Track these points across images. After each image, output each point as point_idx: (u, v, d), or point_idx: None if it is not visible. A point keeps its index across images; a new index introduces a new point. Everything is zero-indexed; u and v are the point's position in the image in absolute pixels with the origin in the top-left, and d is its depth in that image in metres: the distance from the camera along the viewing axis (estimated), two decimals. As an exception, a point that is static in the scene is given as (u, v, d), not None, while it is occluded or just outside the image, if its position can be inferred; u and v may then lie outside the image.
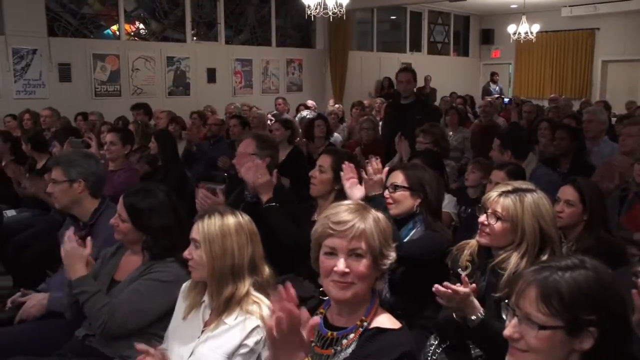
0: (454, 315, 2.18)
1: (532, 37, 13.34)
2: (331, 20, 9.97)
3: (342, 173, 2.90)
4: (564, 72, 16.26)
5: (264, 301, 2.10)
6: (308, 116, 8.99)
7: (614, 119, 7.94)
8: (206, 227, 2.12)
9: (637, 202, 3.76)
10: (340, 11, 9.25)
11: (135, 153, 5.81)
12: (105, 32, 10.70)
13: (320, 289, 1.86)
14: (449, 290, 2.04)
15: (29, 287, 3.15)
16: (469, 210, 4.02)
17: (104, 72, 10.38)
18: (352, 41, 14.09)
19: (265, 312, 2.07)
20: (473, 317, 2.11)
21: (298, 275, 2.95)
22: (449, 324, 2.24)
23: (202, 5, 11.81)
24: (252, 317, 2.05)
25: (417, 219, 2.77)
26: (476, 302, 2.12)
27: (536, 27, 13.41)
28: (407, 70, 6.22)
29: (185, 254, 2.17)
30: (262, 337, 2.04)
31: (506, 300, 1.51)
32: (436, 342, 2.41)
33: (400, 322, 1.83)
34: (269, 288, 2.16)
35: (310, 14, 9.37)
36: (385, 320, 1.81)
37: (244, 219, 2.18)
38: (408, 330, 1.83)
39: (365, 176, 2.81)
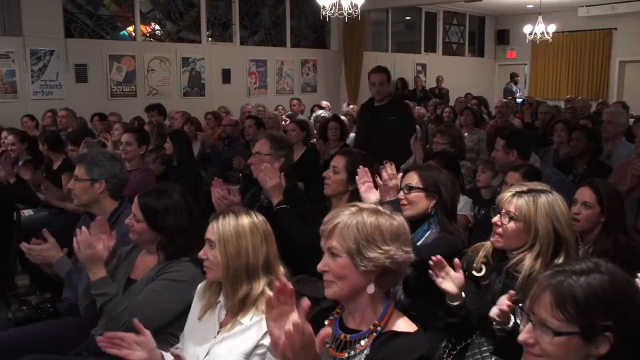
0: (496, 330, 2.10)
1: (548, 38, 13.24)
2: (346, 20, 9.98)
3: (357, 177, 2.88)
4: (581, 73, 16.12)
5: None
6: (322, 114, 8.95)
7: (631, 120, 7.86)
8: (221, 227, 2.12)
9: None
10: (355, 12, 9.24)
11: (150, 153, 5.85)
12: (121, 33, 10.78)
13: None
14: (506, 309, 1.99)
15: (45, 286, 3.18)
16: (484, 211, 4.01)
17: (120, 72, 10.46)
18: (366, 42, 14.06)
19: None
20: (510, 324, 2.05)
21: (312, 276, 2.95)
22: (450, 311, 2.22)
23: (217, 6, 11.86)
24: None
25: (432, 221, 2.75)
26: (510, 313, 2.08)
27: (552, 28, 13.30)
28: (381, 70, 5.48)
29: (200, 254, 2.18)
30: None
31: (520, 305, 1.50)
32: (450, 344, 2.39)
33: (416, 325, 1.82)
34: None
35: (325, 14, 9.36)
36: (400, 324, 1.80)
37: (258, 219, 2.19)
38: (423, 334, 1.82)
39: (380, 182, 2.79)
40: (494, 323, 2.06)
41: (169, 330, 2.50)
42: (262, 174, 3.28)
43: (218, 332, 2.13)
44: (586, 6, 14.88)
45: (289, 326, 1.48)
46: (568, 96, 12.15)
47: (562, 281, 1.39)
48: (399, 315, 1.84)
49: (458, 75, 15.88)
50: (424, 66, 15.75)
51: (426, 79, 15.46)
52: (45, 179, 5.22)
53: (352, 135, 7.45)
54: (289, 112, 9.88)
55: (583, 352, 1.37)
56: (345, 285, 1.75)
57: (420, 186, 2.77)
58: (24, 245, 2.84)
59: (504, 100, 10.22)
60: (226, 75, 11.86)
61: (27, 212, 5.05)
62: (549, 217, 2.23)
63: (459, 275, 2.16)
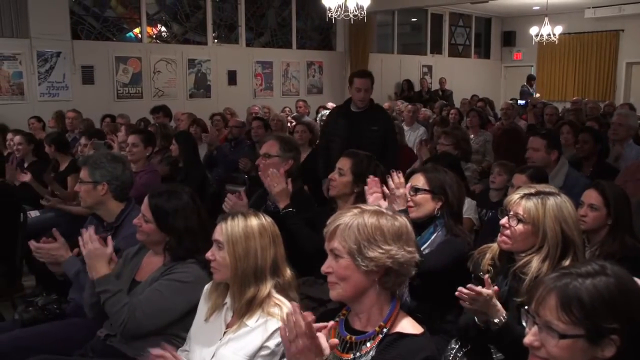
0: (476, 319, 2.15)
1: (555, 39, 13.21)
2: (352, 22, 9.99)
3: (367, 187, 2.85)
4: (587, 75, 16.07)
5: (285, 303, 2.10)
6: (326, 112, 8.87)
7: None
8: (230, 228, 2.13)
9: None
10: (360, 13, 9.24)
11: (156, 155, 5.86)
12: (128, 35, 10.81)
13: None
14: (472, 293, 2.02)
15: (52, 287, 3.18)
16: (491, 213, 3.99)
17: (126, 74, 10.49)
18: (372, 43, 14.05)
19: (287, 314, 2.08)
20: (496, 321, 2.08)
21: (318, 278, 2.95)
22: (470, 328, 2.22)
23: (223, 8, 11.88)
24: (274, 319, 2.05)
25: (438, 223, 2.74)
26: (499, 305, 2.10)
27: (559, 29, 13.27)
28: (367, 75, 4.95)
29: (208, 255, 2.18)
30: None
31: (526, 307, 1.49)
32: (457, 346, 2.39)
33: (422, 327, 1.82)
34: (290, 290, 2.17)
35: (331, 16, 9.37)
36: (406, 325, 1.80)
37: (266, 220, 2.19)
38: (429, 335, 1.82)
39: (387, 191, 2.77)
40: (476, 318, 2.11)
41: (173, 331, 2.50)
42: (269, 179, 3.29)
43: (224, 334, 2.14)
44: (593, 7, 14.83)
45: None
46: (574, 98, 12.11)
47: (567, 283, 1.38)
48: (405, 316, 1.84)
49: (464, 76, 15.87)
50: (429, 68, 15.75)
51: (432, 80, 15.44)
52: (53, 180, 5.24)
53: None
54: (295, 114, 9.89)
55: (589, 355, 1.36)
56: (348, 286, 1.76)
57: (427, 188, 2.76)
58: (32, 244, 2.84)
59: (509, 101, 10.21)
60: (232, 77, 11.88)
61: (33, 213, 5.06)
62: (557, 220, 2.22)
63: (490, 292, 2.07)
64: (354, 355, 1.78)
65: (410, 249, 1.79)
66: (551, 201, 2.25)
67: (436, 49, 16.10)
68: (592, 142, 4.94)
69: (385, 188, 2.76)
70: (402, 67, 14.94)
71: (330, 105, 10.87)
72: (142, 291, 2.53)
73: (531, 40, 13.97)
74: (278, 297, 2.12)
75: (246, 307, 2.09)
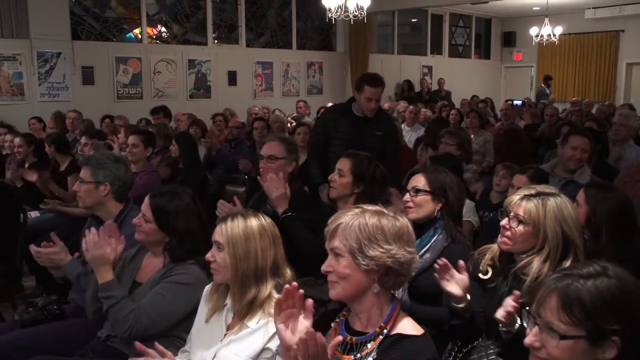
0: (502, 332, 2.07)
1: (555, 40, 13.21)
2: (352, 23, 9.99)
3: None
4: (587, 75, 16.08)
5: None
6: None
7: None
8: (230, 229, 2.13)
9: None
10: (360, 14, 9.25)
11: (156, 156, 5.86)
12: (128, 35, 10.81)
13: None
14: (512, 310, 1.97)
15: (52, 287, 3.18)
16: (491, 214, 3.99)
17: (126, 74, 10.49)
18: (372, 44, 14.06)
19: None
20: (516, 326, 2.04)
21: (318, 279, 2.95)
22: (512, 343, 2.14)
23: (223, 9, 11.89)
24: (274, 320, 2.05)
25: (438, 225, 2.73)
26: (515, 314, 2.06)
27: (559, 30, 13.28)
28: (379, 83, 4.59)
29: (208, 256, 2.18)
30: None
31: (527, 308, 1.49)
32: (456, 347, 2.39)
33: (422, 328, 1.82)
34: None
35: (331, 16, 9.37)
36: (407, 326, 1.80)
37: (266, 221, 2.19)
38: (430, 336, 1.82)
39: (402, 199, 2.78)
40: (500, 325, 2.05)
41: (175, 333, 2.50)
42: (268, 184, 3.28)
43: (225, 335, 2.13)
44: (593, 8, 14.84)
45: (302, 334, 1.55)
46: (574, 99, 12.12)
47: (569, 284, 1.38)
48: (405, 317, 1.84)
49: (464, 77, 15.87)
50: (430, 68, 15.75)
51: (432, 81, 15.44)
52: (52, 180, 5.24)
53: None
54: (295, 114, 9.88)
55: (590, 356, 1.36)
56: (348, 285, 1.76)
57: (427, 189, 2.75)
58: (32, 248, 2.85)
59: (508, 102, 10.20)
60: (232, 77, 11.89)
61: (33, 214, 5.06)
62: (558, 221, 2.21)
63: (463, 278, 2.15)
64: (354, 356, 1.78)
65: (410, 249, 1.79)
66: (551, 202, 2.24)
67: (436, 49, 16.10)
68: (591, 142, 4.93)
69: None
70: (402, 68, 14.94)
71: (330, 105, 10.88)
72: (144, 293, 2.53)
73: (531, 41, 13.97)
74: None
75: (247, 308, 2.09)
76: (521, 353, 1.95)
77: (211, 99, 11.51)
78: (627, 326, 1.33)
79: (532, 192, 2.31)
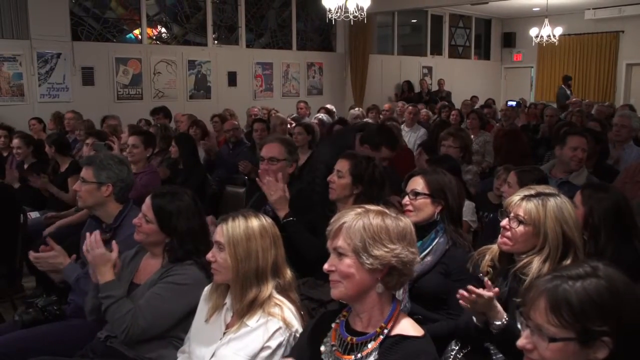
0: (474, 319, 2.15)
1: (555, 40, 13.22)
2: (352, 23, 9.98)
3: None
4: (587, 76, 16.07)
5: (286, 303, 2.11)
6: (321, 117, 8.69)
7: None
8: (231, 229, 2.13)
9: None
10: (360, 14, 9.24)
11: (156, 156, 5.86)
12: (128, 36, 10.81)
13: None
14: (473, 295, 2.01)
15: (52, 288, 3.19)
16: (492, 215, 3.98)
17: (126, 75, 10.49)
18: (372, 44, 14.07)
19: (288, 314, 2.08)
20: (497, 322, 2.08)
21: (318, 279, 2.95)
22: (469, 328, 2.21)
23: (223, 9, 11.89)
24: (274, 319, 2.06)
25: (438, 228, 2.72)
26: (499, 306, 2.09)
27: (559, 30, 13.28)
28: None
29: (209, 256, 2.18)
30: (284, 339, 2.05)
31: (520, 309, 1.49)
32: (457, 347, 2.39)
33: (423, 329, 1.82)
34: (290, 291, 2.17)
35: (331, 17, 9.37)
36: (407, 327, 1.80)
37: (267, 221, 2.19)
38: (430, 338, 1.82)
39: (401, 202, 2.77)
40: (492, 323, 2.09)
41: (173, 334, 2.50)
42: (266, 187, 3.28)
43: (224, 334, 2.14)
44: (593, 9, 14.84)
45: None
46: (574, 99, 12.12)
47: (557, 286, 1.37)
48: (405, 317, 1.85)
49: (464, 78, 15.88)
50: (430, 69, 15.75)
51: (432, 81, 15.45)
52: (51, 182, 5.23)
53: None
54: (295, 115, 9.87)
55: (581, 357, 1.36)
56: (351, 285, 1.76)
57: (427, 192, 2.74)
58: (31, 254, 2.86)
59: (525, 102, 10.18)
60: (232, 78, 11.88)
61: (33, 214, 5.06)
62: (558, 221, 2.21)
63: (490, 294, 2.04)
64: (355, 356, 1.79)
65: (413, 249, 1.81)
66: (552, 202, 2.24)
67: (436, 50, 16.11)
68: (591, 143, 4.93)
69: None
70: (402, 68, 14.95)
71: (330, 106, 10.88)
72: (142, 294, 2.53)
73: (531, 42, 13.98)
74: (279, 298, 2.12)
75: (247, 308, 2.09)
76: (511, 348, 1.97)
77: (211, 99, 11.51)
78: (617, 327, 1.33)
79: (532, 192, 2.31)
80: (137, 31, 10.84)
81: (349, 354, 1.80)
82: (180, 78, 11.15)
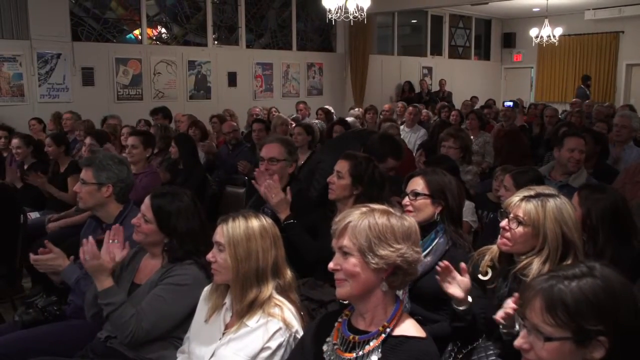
0: (502, 334, 2.07)
1: (555, 41, 13.22)
2: (352, 24, 9.98)
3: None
4: (587, 76, 16.07)
5: (286, 304, 2.11)
6: (315, 122, 8.51)
7: (637, 124, 7.81)
8: (231, 230, 2.13)
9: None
10: (360, 15, 9.24)
11: (156, 157, 5.86)
12: (128, 36, 10.81)
13: None
14: (511, 312, 1.96)
15: (52, 288, 3.19)
16: (491, 215, 3.98)
17: (126, 76, 10.49)
18: (372, 45, 14.07)
19: (288, 315, 2.08)
20: (516, 328, 2.04)
21: (318, 279, 2.95)
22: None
23: (223, 10, 11.89)
24: (274, 320, 2.06)
25: (439, 229, 2.72)
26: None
27: (559, 31, 13.29)
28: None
29: (209, 257, 2.18)
30: (284, 340, 2.05)
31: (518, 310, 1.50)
32: (457, 347, 2.39)
33: (425, 330, 1.83)
34: (290, 291, 2.17)
35: (331, 17, 9.37)
36: (410, 328, 1.81)
37: (267, 222, 2.19)
38: (432, 339, 1.83)
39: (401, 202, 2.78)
40: (501, 327, 2.06)
41: (174, 334, 2.50)
42: (266, 190, 3.27)
43: (223, 334, 2.14)
44: (593, 9, 14.85)
45: None
46: (574, 100, 12.12)
47: (553, 286, 1.38)
48: (408, 318, 1.85)
49: (464, 78, 15.88)
50: (430, 69, 15.75)
51: (432, 82, 15.45)
52: (51, 182, 5.23)
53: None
54: (295, 115, 9.86)
55: (578, 356, 1.36)
56: (356, 284, 1.77)
57: (427, 192, 2.74)
58: (31, 257, 2.86)
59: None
60: (232, 79, 11.89)
61: (33, 215, 5.06)
62: (558, 222, 2.21)
63: (465, 280, 2.16)
64: (356, 354, 1.80)
65: (417, 249, 1.82)
66: (551, 203, 2.24)
67: (436, 50, 16.11)
68: (591, 143, 4.93)
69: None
70: (402, 69, 14.95)
71: (328, 107, 10.88)
72: (143, 294, 2.53)
73: (531, 42, 13.98)
74: (279, 298, 2.12)
75: (247, 308, 2.10)
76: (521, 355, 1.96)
77: (211, 100, 11.51)
78: (613, 326, 1.33)
79: (532, 193, 2.31)
80: (137, 31, 10.84)
81: (350, 352, 1.81)
82: (180, 78, 11.15)
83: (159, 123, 7.27)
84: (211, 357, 2.12)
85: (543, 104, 11.43)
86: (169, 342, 2.50)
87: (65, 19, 9.66)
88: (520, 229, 2.27)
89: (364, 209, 1.82)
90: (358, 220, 1.77)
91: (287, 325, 2.06)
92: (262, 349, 2.04)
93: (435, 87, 15.11)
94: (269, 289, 2.11)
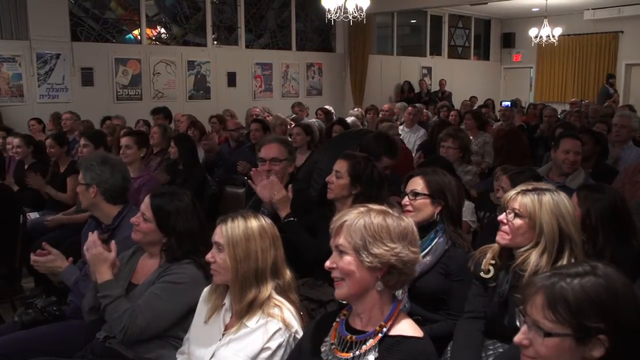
0: None
1: (554, 41, 13.23)
2: (351, 24, 9.98)
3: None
4: (587, 76, 16.08)
5: (286, 304, 2.11)
6: (312, 120, 8.56)
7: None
8: (230, 230, 2.13)
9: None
10: (360, 15, 9.25)
11: (155, 157, 5.86)
12: (127, 36, 10.82)
13: None
14: None
15: (51, 289, 3.19)
16: (491, 215, 3.98)
17: (126, 76, 10.49)
18: (372, 45, 14.07)
19: (287, 315, 2.08)
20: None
21: (318, 280, 2.95)
22: None
23: (222, 10, 11.90)
24: (274, 320, 2.06)
25: (438, 228, 2.73)
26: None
27: (558, 31, 13.30)
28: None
29: (208, 257, 2.18)
30: (284, 340, 2.05)
31: (521, 307, 1.50)
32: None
33: (422, 330, 1.83)
34: (290, 291, 2.17)
35: (330, 17, 9.37)
36: (407, 327, 1.81)
37: (266, 222, 2.19)
38: (429, 339, 1.83)
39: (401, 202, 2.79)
40: None
41: (172, 333, 2.50)
42: (269, 188, 3.27)
43: (223, 335, 2.14)
44: (592, 9, 14.86)
45: None
46: (573, 100, 12.12)
47: (555, 283, 1.38)
48: (405, 317, 1.86)
49: (463, 78, 15.88)
50: (429, 69, 15.76)
51: (431, 82, 15.46)
52: (51, 183, 5.22)
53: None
54: (294, 116, 9.86)
55: (577, 354, 1.36)
56: (352, 283, 1.78)
57: (426, 192, 2.74)
58: (32, 257, 2.87)
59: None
60: (232, 79, 11.89)
61: (33, 215, 5.06)
62: (554, 214, 2.22)
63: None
64: (353, 354, 1.80)
65: (414, 249, 1.81)
66: (547, 197, 2.26)
67: (436, 50, 16.11)
68: (591, 143, 4.94)
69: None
70: (402, 69, 14.96)
71: (328, 107, 10.88)
72: (140, 294, 2.53)
73: (530, 42, 13.99)
74: (278, 298, 2.12)
75: (247, 309, 2.10)
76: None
77: (211, 100, 11.51)
78: (613, 325, 1.34)
79: (529, 187, 2.33)
80: (136, 32, 10.84)
81: (347, 352, 1.81)
82: (180, 78, 11.15)
83: (159, 123, 7.27)
84: (211, 357, 2.12)
85: (542, 104, 11.45)
86: (167, 342, 2.50)
87: (65, 19, 9.66)
88: (517, 221, 2.28)
89: (361, 209, 1.83)
90: (354, 220, 1.78)
91: (287, 326, 2.06)
92: (262, 350, 2.04)
93: (434, 87, 15.11)
94: (268, 289, 2.11)
